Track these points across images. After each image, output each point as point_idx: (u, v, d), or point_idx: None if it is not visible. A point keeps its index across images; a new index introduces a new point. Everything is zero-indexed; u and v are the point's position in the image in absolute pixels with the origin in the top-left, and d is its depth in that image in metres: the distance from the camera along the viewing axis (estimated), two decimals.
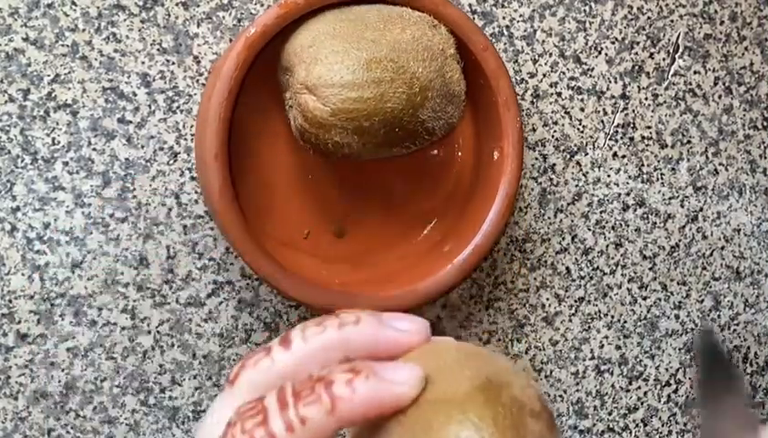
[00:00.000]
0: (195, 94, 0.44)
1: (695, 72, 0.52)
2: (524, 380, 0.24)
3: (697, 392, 0.22)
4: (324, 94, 0.37)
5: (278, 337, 0.25)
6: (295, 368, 0.24)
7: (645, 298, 0.53)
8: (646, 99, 0.52)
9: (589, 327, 0.52)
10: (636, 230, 0.52)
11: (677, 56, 0.52)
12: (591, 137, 0.51)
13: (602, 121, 0.51)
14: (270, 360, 0.24)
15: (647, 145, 0.52)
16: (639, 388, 0.53)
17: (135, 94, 0.43)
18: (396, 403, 0.22)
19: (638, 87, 0.51)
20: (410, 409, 0.22)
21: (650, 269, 0.53)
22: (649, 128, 0.52)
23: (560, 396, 0.51)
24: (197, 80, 0.44)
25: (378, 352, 0.24)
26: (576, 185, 0.51)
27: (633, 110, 0.51)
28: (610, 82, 0.51)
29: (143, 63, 0.43)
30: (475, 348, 0.26)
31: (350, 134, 0.37)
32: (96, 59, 0.42)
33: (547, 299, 0.51)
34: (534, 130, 0.49)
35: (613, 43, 0.50)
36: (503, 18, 0.48)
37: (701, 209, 0.54)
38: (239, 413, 0.23)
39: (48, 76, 0.42)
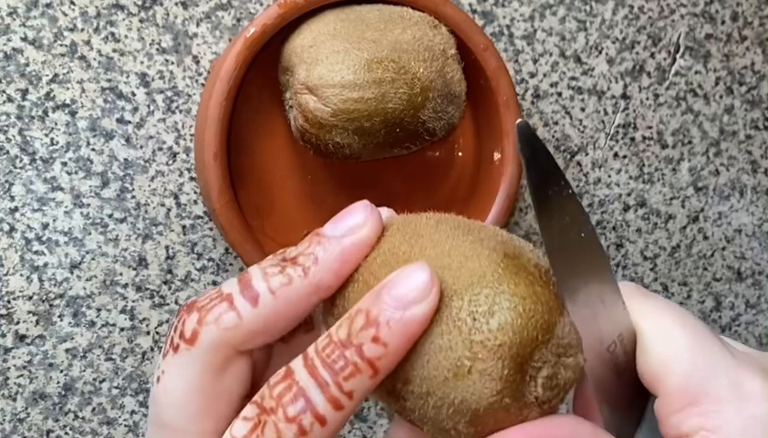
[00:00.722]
0: (194, 94, 0.44)
1: (696, 72, 0.52)
2: (524, 243, 0.24)
3: (532, 199, 0.22)
4: (324, 94, 0.36)
5: (233, 278, 0.24)
6: (266, 325, 0.23)
7: None
8: (647, 98, 0.51)
9: None
10: (637, 230, 0.52)
11: (678, 55, 0.52)
12: (592, 137, 0.51)
13: (603, 121, 0.51)
14: (236, 316, 0.23)
15: (648, 145, 0.52)
16: None
17: (134, 94, 0.43)
18: (425, 324, 0.22)
19: (639, 87, 0.51)
20: (443, 311, 0.22)
21: (651, 270, 0.53)
22: (650, 128, 0.52)
23: None
24: (196, 80, 0.44)
25: (350, 266, 0.24)
26: (577, 185, 0.51)
27: (634, 110, 0.51)
28: (611, 82, 0.51)
29: (142, 63, 0.43)
30: (452, 217, 0.26)
31: (351, 135, 0.37)
32: (94, 59, 0.42)
33: None
34: (534, 130, 0.49)
35: (614, 43, 0.50)
36: (504, 18, 0.48)
37: (702, 209, 0.54)
38: (274, 398, 0.22)
39: (47, 76, 0.42)
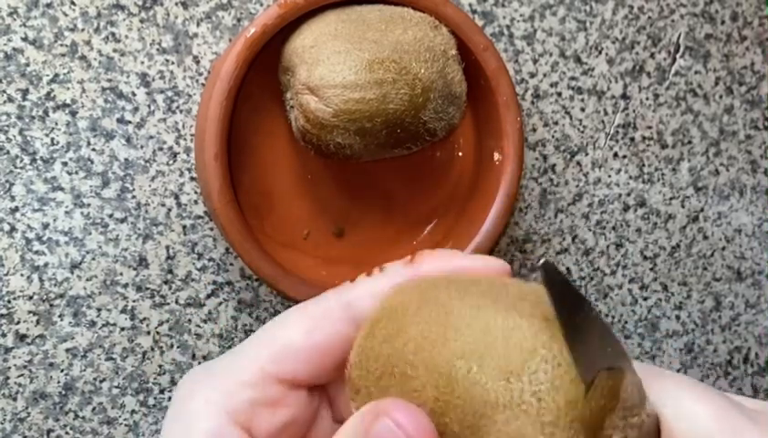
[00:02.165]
0: (195, 94, 0.44)
1: (696, 72, 0.52)
2: (540, 290, 0.23)
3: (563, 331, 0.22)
4: (326, 95, 0.36)
5: None
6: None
7: (645, 299, 0.53)
8: (647, 98, 0.51)
9: None
10: (636, 230, 0.52)
11: (678, 55, 0.52)
12: (592, 137, 0.51)
13: (602, 121, 0.51)
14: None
15: (647, 145, 0.52)
16: None
17: (134, 94, 0.43)
18: None
19: (639, 87, 0.51)
20: (503, 395, 0.21)
21: (651, 270, 0.53)
22: (650, 128, 0.52)
23: None
24: (197, 80, 0.44)
25: None
26: (577, 185, 0.51)
27: (634, 110, 0.51)
28: (611, 82, 0.51)
29: (142, 63, 0.43)
30: (469, 280, 0.25)
31: (352, 135, 0.37)
32: (95, 59, 0.42)
33: None
34: (534, 130, 0.49)
35: (614, 43, 0.50)
36: (504, 18, 0.48)
37: (702, 209, 0.54)
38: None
39: (47, 76, 0.42)
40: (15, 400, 0.43)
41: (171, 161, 0.44)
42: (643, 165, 0.52)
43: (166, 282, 0.44)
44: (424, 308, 0.24)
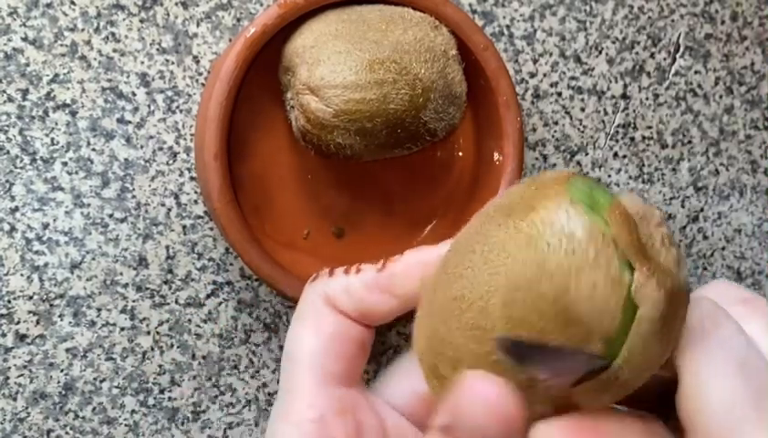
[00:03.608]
0: (195, 94, 0.44)
1: (696, 72, 0.52)
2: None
3: None
4: (326, 95, 0.36)
5: None
6: None
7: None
8: (647, 98, 0.51)
9: None
10: None
11: (678, 55, 0.52)
12: (592, 137, 0.51)
13: (603, 121, 0.51)
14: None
15: (647, 145, 0.52)
16: None
17: (134, 94, 0.43)
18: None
19: (639, 87, 0.51)
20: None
21: None
22: (650, 128, 0.52)
23: None
24: (196, 80, 0.44)
25: None
26: None
27: (634, 110, 0.51)
28: (611, 82, 0.51)
29: (142, 63, 0.43)
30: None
31: (352, 135, 0.37)
32: (95, 59, 0.42)
33: None
34: (534, 130, 0.49)
35: (614, 43, 0.50)
36: (504, 18, 0.48)
37: (702, 209, 0.54)
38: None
39: (47, 76, 0.42)
40: (14, 400, 0.43)
41: (170, 161, 0.44)
42: (643, 165, 0.52)
43: (166, 282, 0.44)
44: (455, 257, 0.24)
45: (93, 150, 0.43)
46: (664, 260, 0.22)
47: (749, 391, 0.22)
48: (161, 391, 0.45)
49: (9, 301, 0.42)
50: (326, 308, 0.28)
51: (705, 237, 0.54)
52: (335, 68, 0.36)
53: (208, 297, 0.45)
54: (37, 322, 0.43)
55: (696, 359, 0.23)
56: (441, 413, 0.23)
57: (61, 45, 0.42)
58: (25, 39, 0.41)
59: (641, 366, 0.22)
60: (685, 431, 0.23)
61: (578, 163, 0.51)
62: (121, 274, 0.44)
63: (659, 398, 0.24)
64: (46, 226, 0.42)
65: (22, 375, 0.43)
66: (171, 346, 0.45)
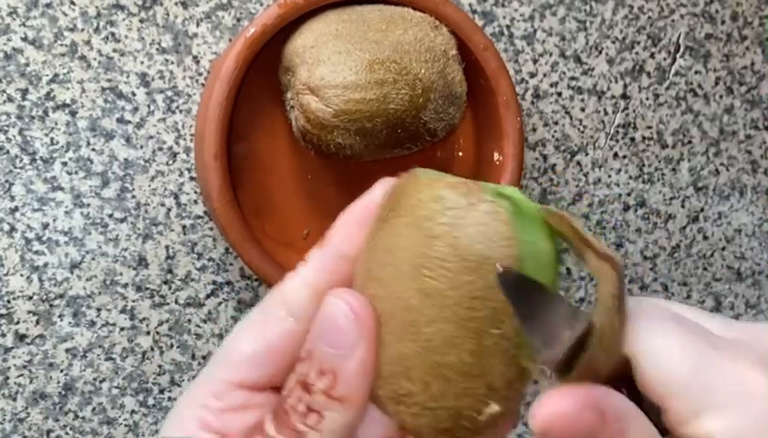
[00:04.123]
0: (194, 94, 0.44)
1: (696, 72, 0.52)
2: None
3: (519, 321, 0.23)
4: (326, 95, 0.36)
5: (275, 423, 0.25)
6: None
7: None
8: (647, 98, 0.51)
9: None
10: (636, 230, 0.52)
11: (678, 55, 0.52)
12: (592, 137, 0.51)
13: (603, 121, 0.51)
14: None
15: (647, 145, 0.52)
16: None
17: (134, 94, 0.43)
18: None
19: (639, 86, 0.51)
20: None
21: (651, 270, 0.53)
22: (650, 128, 0.52)
23: None
24: (196, 80, 0.44)
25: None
26: (577, 185, 0.51)
27: (634, 110, 0.51)
28: (611, 82, 0.51)
29: (142, 63, 0.43)
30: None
31: (352, 135, 0.37)
32: (95, 59, 0.42)
33: None
34: (534, 130, 0.49)
35: (614, 43, 0.50)
36: (504, 18, 0.48)
37: (702, 209, 0.54)
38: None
39: (47, 76, 0.42)
40: (14, 400, 0.43)
41: (170, 161, 0.44)
42: (643, 165, 0.52)
43: (166, 282, 0.44)
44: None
45: (93, 150, 0.43)
46: (603, 246, 0.23)
47: (699, 337, 0.23)
48: (161, 392, 0.45)
49: (9, 301, 0.42)
50: (278, 310, 0.28)
51: (705, 237, 0.54)
52: (335, 68, 0.36)
53: (208, 296, 0.45)
54: (37, 322, 0.43)
55: (643, 331, 0.23)
56: (307, 341, 0.24)
57: (61, 45, 0.42)
58: (24, 39, 0.41)
59: (611, 341, 0.22)
60: (659, 405, 0.23)
61: (578, 163, 0.50)
62: (121, 274, 0.44)
63: (626, 383, 0.24)
64: (45, 226, 0.42)
65: (22, 375, 0.43)
66: (171, 346, 0.45)
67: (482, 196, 0.23)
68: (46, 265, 0.42)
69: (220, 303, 0.45)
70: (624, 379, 0.24)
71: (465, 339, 0.23)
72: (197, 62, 0.44)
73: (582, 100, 0.50)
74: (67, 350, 0.43)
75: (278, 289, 0.28)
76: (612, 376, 0.23)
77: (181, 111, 0.44)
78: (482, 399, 0.23)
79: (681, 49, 0.52)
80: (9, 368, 0.42)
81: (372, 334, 0.23)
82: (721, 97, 0.53)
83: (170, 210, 0.44)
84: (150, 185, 0.44)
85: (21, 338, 0.42)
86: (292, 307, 0.27)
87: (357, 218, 0.28)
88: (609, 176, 0.51)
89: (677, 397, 0.22)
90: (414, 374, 0.23)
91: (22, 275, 0.42)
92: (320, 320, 0.24)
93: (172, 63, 0.43)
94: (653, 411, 0.23)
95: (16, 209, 0.42)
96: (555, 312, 0.23)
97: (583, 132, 0.50)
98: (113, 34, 0.42)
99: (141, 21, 0.43)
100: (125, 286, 0.44)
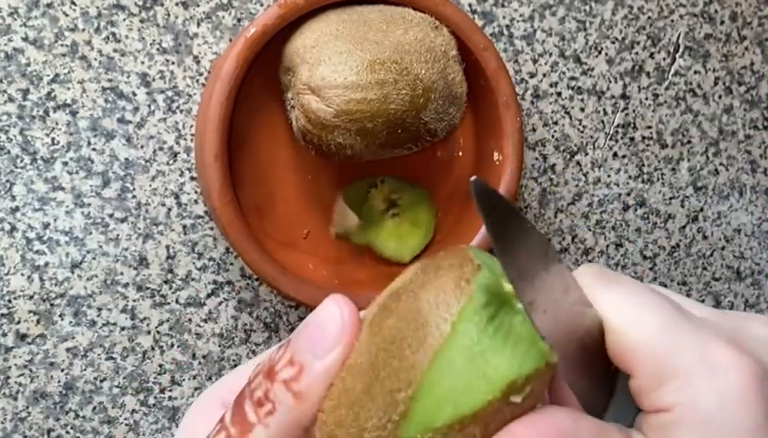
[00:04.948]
0: (195, 94, 0.44)
1: (695, 72, 0.52)
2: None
3: (493, 241, 0.23)
4: (327, 95, 0.36)
5: (232, 411, 0.25)
6: None
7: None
8: (646, 98, 0.52)
9: None
10: (636, 230, 0.52)
11: (677, 55, 0.52)
12: (591, 137, 0.51)
13: (602, 121, 0.51)
14: None
15: (647, 145, 0.52)
16: None
17: (135, 94, 0.43)
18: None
19: (639, 87, 0.51)
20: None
21: (651, 269, 0.53)
22: (650, 128, 0.52)
23: None
24: (197, 80, 0.44)
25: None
26: (577, 185, 0.51)
27: (633, 110, 0.51)
28: (610, 82, 0.51)
29: (143, 63, 0.43)
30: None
31: (353, 135, 0.37)
32: (95, 59, 0.42)
33: None
34: (534, 130, 0.49)
35: (613, 43, 0.50)
36: (504, 18, 0.48)
37: (702, 209, 0.54)
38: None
39: (48, 76, 0.42)
40: (15, 399, 0.43)
41: (171, 161, 0.44)
42: (643, 165, 0.52)
43: (166, 282, 0.44)
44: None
45: (93, 149, 0.43)
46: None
47: (672, 308, 0.23)
48: (162, 391, 0.45)
49: (10, 301, 0.42)
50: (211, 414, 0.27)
51: (705, 237, 0.54)
52: (336, 69, 0.36)
53: (208, 296, 0.45)
54: (38, 322, 0.43)
55: (615, 301, 0.23)
56: (294, 332, 0.25)
57: (62, 45, 0.42)
58: (25, 39, 0.41)
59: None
60: (627, 372, 0.23)
61: (578, 163, 0.51)
62: (122, 273, 0.44)
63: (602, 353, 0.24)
64: (46, 226, 0.42)
65: (22, 375, 0.43)
66: (172, 345, 0.45)
67: (464, 273, 0.23)
68: (46, 264, 0.42)
69: (220, 303, 0.45)
70: (599, 347, 0.24)
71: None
72: (197, 62, 0.44)
73: (582, 100, 0.50)
74: (68, 350, 0.43)
75: (219, 383, 0.28)
76: (588, 345, 0.23)
77: (181, 111, 0.44)
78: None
79: (681, 49, 0.52)
80: (10, 367, 0.42)
81: (348, 346, 0.23)
82: (720, 97, 0.53)
83: (170, 210, 0.44)
84: (150, 185, 0.44)
85: (22, 337, 0.42)
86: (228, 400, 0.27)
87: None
88: (609, 176, 0.51)
89: (643, 363, 0.22)
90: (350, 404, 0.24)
91: (23, 274, 0.42)
92: (312, 316, 0.25)
93: (173, 63, 0.43)
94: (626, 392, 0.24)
95: (17, 209, 0.42)
96: (529, 244, 0.23)
97: (582, 132, 0.50)
98: (114, 34, 0.42)
99: (142, 21, 0.43)
100: (126, 285, 0.44)
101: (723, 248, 0.54)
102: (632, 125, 0.51)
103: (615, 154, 0.51)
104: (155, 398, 0.45)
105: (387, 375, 0.22)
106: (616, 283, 0.24)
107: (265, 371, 0.24)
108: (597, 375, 0.24)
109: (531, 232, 0.23)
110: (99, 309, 0.43)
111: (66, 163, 0.42)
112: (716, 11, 0.52)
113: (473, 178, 0.22)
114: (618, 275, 0.25)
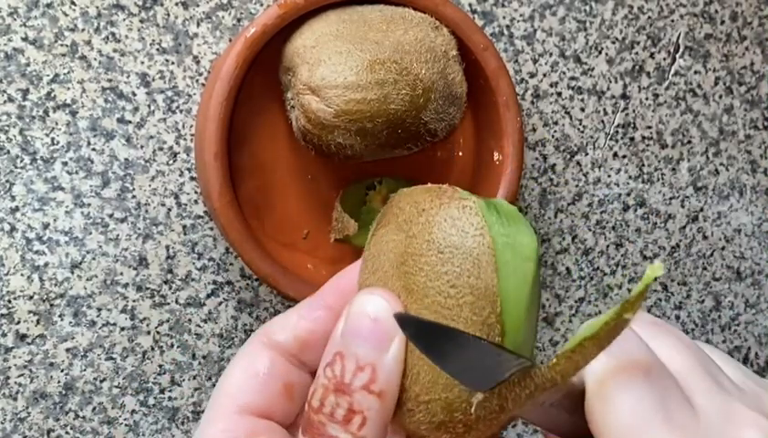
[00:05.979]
0: (195, 94, 0.44)
1: (696, 72, 0.52)
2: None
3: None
4: (327, 95, 0.36)
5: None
6: None
7: (645, 299, 0.53)
8: (646, 98, 0.51)
9: None
10: (636, 230, 0.52)
11: (677, 55, 0.52)
12: (591, 137, 0.51)
13: (602, 121, 0.51)
14: None
15: (647, 145, 0.52)
16: None
17: (134, 94, 0.43)
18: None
19: (639, 87, 0.51)
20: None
21: None
22: (650, 128, 0.52)
23: None
24: (197, 80, 0.44)
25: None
26: (577, 185, 0.51)
27: (633, 110, 0.51)
28: (611, 82, 0.51)
29: (143, 63, 0.43)
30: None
31: (353, 135, 0.37)
32: (95, 59, 0.42)
33: (547, 300, 0.51)
34: (534, 130, 0.49)
35: (613, 43, 0.50)
36: (504, 18, 0.48)
37: (702, 209, 0.54)
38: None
39: (47, 76, 0.42)
40: (15, 399, 0.43)
41: (171, 161, 0.44)
42: (643, 165, 0.52)
43: (166, 282, 0.44)
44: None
45: (93, 149, 0.43)
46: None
47: (653, 396, 0.22)
48: (162, 391, 0.45)
49: (9, 301, 0.42)
50: (261, 348, 0.28)
51: (705, 237, 0.54)
52: (336, 69, 0.36)
53: (208, 296, 0.45)
54: (38, 322, 0.43)
55: (600, 373, 0.23)
56: (331, 345, 0.25)
57: (61, 45, 0.42)
58: (25, 39, 0.41)
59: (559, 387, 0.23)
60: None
61: (578, 163, 0.51)
62: (121, 274, 0.44)
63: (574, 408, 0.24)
64: (46, 226, 0.42)
65: (22, 375, 0.43)
66: (172, 346, 0.45)
67: (455, 195, 0.25)
68: (46, 264, 0.42)
69: (220, 303, 0.45)
70: (573, 400, 0.24)
71: None
72: (197, 62, 0.44)
73: (582, 100, 0.50)
74: (68, 350, 0.43)
75: (264, 328, 0.29)
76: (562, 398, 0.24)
77: (181, 111, 0.44)
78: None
79: (681, 49, 0.52)
80: (10, 367, 0.42)
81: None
82: (720, 97, 0.53)
83: (170, 210, 0.44)
84: (150, 185, 0.44)
85: (21, 337, 0.42)
86: (275, 343, 0.28)
87: (347, 277, 0.28)
88: (609, 176, 0.51)
89: None
90: (405, 367, 0.24)
91: (22, 274, 0.42)
92: (352, 319, 0.24)
93: (173, 63, 0.43)
94: None
95: (17, 209, 0.42)
96: (478, 356, 0.23)
97: (583, 132, 0.50)
98: (113, 34, 0.42)
99: (142, 21, 0.43)
100: (125, 285, 0.44)
101: (723, 248, 0.54)
102: (632, 125, 0.51)
103: (615, 154, 0.51)
104: (155, 398, 0.45)
105: (466, 315, 0.23)
106: (613, 348, 0.23)
107: (334, 389, 0.24)
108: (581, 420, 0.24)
109: (468, 342, 0.23)
110: (99, 310, 0.43)
111: (65, 163, 0.42)
112: (716, 11, 0.52)
113: (397, 313, 0.23)
114: (625, 336, 0.23)
